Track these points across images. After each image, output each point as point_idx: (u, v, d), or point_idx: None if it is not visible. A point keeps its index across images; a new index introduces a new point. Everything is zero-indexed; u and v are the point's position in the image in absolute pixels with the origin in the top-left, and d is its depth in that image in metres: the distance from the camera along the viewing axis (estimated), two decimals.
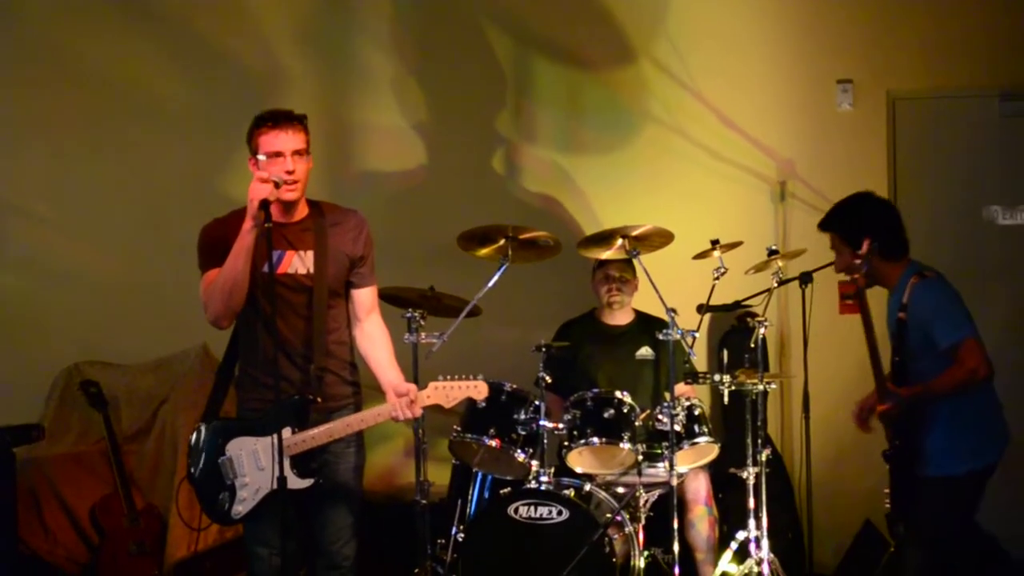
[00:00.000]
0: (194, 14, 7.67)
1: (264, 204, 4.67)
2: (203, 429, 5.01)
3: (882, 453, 5.31)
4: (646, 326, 6.48)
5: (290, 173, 4.81)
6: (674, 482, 5.79)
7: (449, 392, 5.07)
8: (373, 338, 5.16)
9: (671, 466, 5.79)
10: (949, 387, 5.13)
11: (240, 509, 4.92)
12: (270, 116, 4.87)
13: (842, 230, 5.35)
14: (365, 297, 5.15)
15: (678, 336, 5.80)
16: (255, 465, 4.90)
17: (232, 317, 4.92)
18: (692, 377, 6.31)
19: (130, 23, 7.71)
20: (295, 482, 4.84)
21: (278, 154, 4.82)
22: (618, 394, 6.03)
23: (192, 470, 5.01)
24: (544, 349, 6.11)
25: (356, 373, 5.16)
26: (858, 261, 5.16)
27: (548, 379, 6.05)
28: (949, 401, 5.16)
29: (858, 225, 5.30)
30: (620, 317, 6.67)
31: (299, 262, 4.93)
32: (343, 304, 5.11)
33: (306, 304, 4.95)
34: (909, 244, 5.37)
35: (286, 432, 4.83)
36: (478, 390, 5.10)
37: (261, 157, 4.82)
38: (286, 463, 4.77)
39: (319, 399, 4.94)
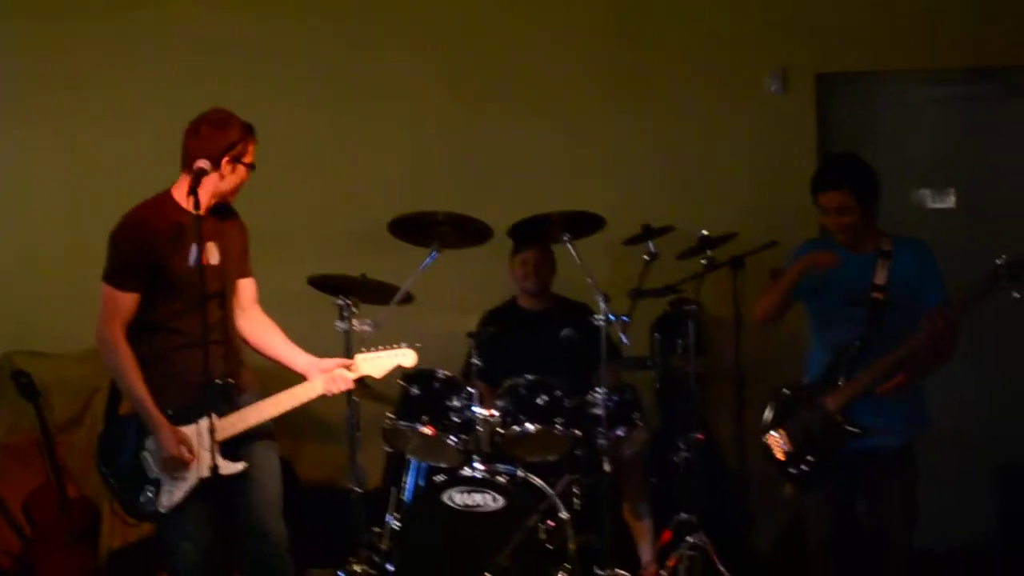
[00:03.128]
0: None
1: (193, 191, 4.68)
2: (114, 426, 5.01)
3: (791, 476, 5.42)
4: (566, 309, 6.50)
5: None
6: (608, 467, 5.81)
7: (376, 362, 5.17)
8: (264, 325, 5.31)
9: (604, 451, 5.81)
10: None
11: (167, 502, 4.90)
12: (252, 128, 5.04)
13: (859, 189, 5.22)
14: (251, 286, 5.29)
15: (611, 321, 5.81)
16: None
17: None
18: (622, 362, 6.33)
19: (66, 11, 7.63)
20: (228, 467, 4.86)
21: (254, 167, 5.03)
22: (551, 380, 6.03)
23: (105, 470, 4.98)
24: (476, 335, 6.12)
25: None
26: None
27: (480, 364, 6.06)
28: None
29: (871, 184, 5.24)
30: (539, 302, 6.68)
31: (211, 253, 5.00)
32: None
33: (220, 293, 5.04)
34: None
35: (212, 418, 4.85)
36: (406, 357, 5.20)
37: (242, 164, 4.98)
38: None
39: (235, 382, 5.04)
